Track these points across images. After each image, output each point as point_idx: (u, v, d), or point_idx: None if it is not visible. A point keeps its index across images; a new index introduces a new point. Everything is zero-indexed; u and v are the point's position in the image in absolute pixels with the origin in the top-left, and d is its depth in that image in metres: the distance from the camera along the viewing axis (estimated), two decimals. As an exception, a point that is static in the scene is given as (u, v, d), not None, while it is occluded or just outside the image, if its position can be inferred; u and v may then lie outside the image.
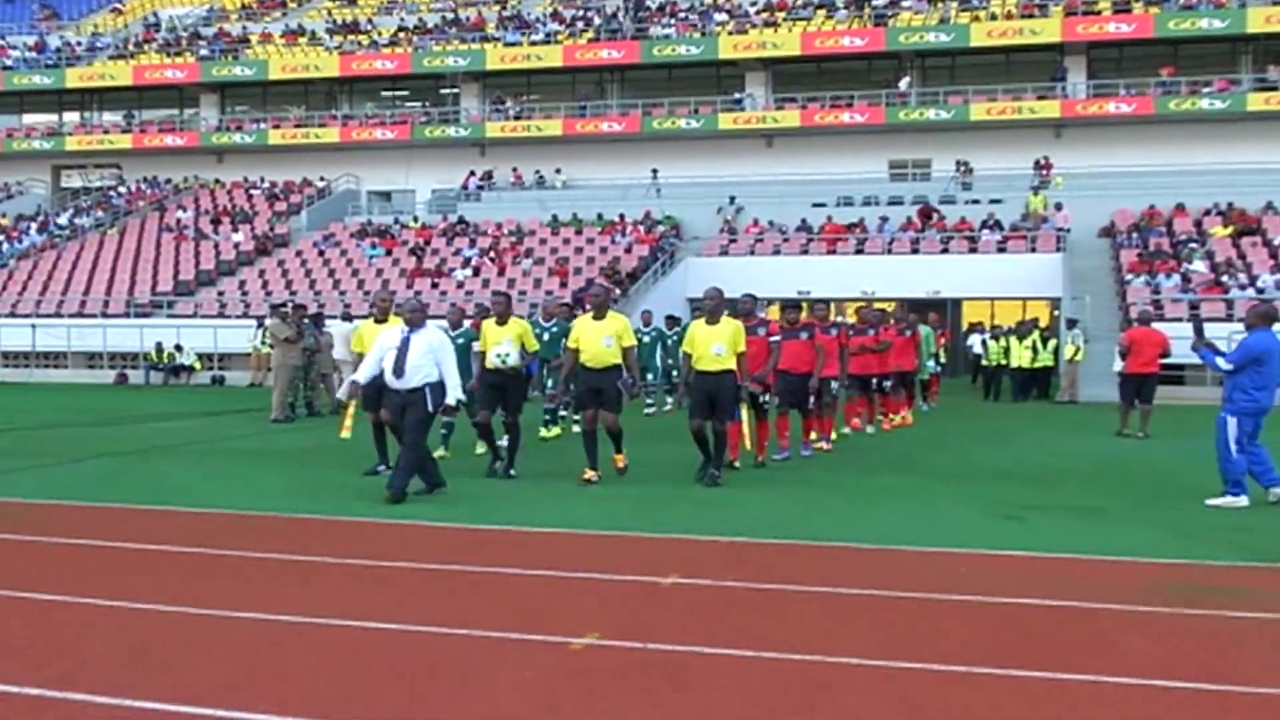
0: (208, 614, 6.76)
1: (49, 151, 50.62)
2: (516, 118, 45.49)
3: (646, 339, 21.56)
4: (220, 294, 38.63)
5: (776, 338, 13.20)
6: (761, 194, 40.52)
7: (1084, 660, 5.98)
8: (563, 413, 17.25)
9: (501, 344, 12.35)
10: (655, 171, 42.74)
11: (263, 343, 30.01)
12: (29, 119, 52.72)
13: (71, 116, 52.53)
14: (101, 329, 35.78)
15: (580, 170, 45.00)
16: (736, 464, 12.97)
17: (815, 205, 39.62)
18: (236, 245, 41.98)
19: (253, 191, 47.41)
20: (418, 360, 10.76)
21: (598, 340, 11.77)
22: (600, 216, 40.45)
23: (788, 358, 13.69)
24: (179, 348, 33.64)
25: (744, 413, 12.45)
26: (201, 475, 12.59)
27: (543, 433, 16.33)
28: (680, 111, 43.86)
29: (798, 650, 6.06)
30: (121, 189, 49.48)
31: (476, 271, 37.30)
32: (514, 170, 45.92)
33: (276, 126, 48.16)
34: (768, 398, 13.28)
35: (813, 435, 14.93)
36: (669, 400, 20.25)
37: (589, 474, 11.79)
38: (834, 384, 15.18)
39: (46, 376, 35.01)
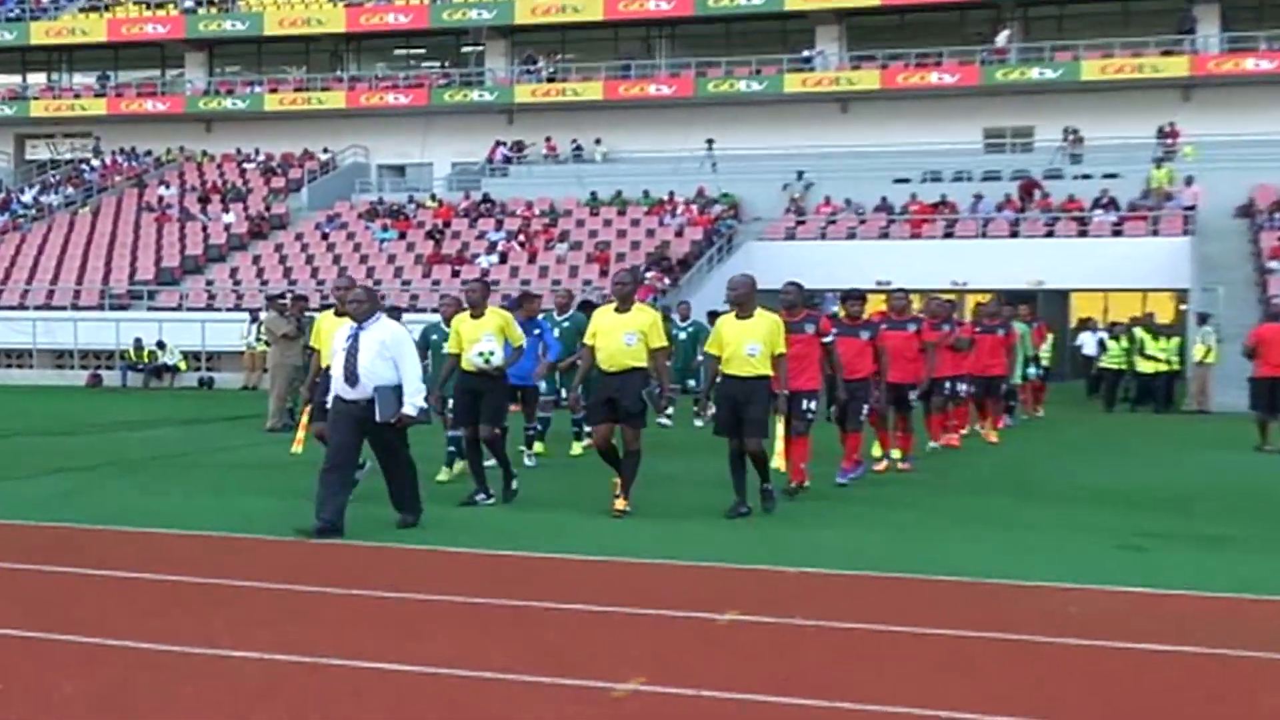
0: (191, 652, 6.80)
1: (11, 119, 51.31)
2: (550, 80, 45.65)
3: (683, 336, 21.09)
4: (209, 283, 39.01)
5: (830, 336, 12.55)
6: (834, 168, 40.41)
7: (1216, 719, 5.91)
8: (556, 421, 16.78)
9: (481, 340, 11.84)
10: (710, 142, 42.73)
11: (258, 340, 30.21)
12: (-10, 82, 53.38)
13: (37, 78, 53.20)
14: (72, 323, 36.21)
15: (623, 141, 45.06)
16: (805, 484, 12.73)
17: (897, 181, 39.49)
18: (227, 227, 42.38)
19: (246, 165, 47.85)
20: (371, 362, 10.20)
21: (617, 337, 11.25)
22: (647, 194, 40.50)
23: (842, 360, 12.94)
24: (161, 345, 33.98)
25: (779, 425, 11.77)
26: (181, 493, 12.70)
27: (575, 448, 16.14)
28: (740, 72, 43.83)
29: (878, 700, 6.02)
30: (95, 162, 50.07)
31: (503, 257, 37.45)
32: (547, 140, 46.06)
33: (273, 90, 48.58)
34: (813, 407, 12.47)
35: (876, 452, 14.77)
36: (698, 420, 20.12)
37: (621, 503, 11.34)
38: (911, 392, 14.79)
39: (8, 377, 35.42)
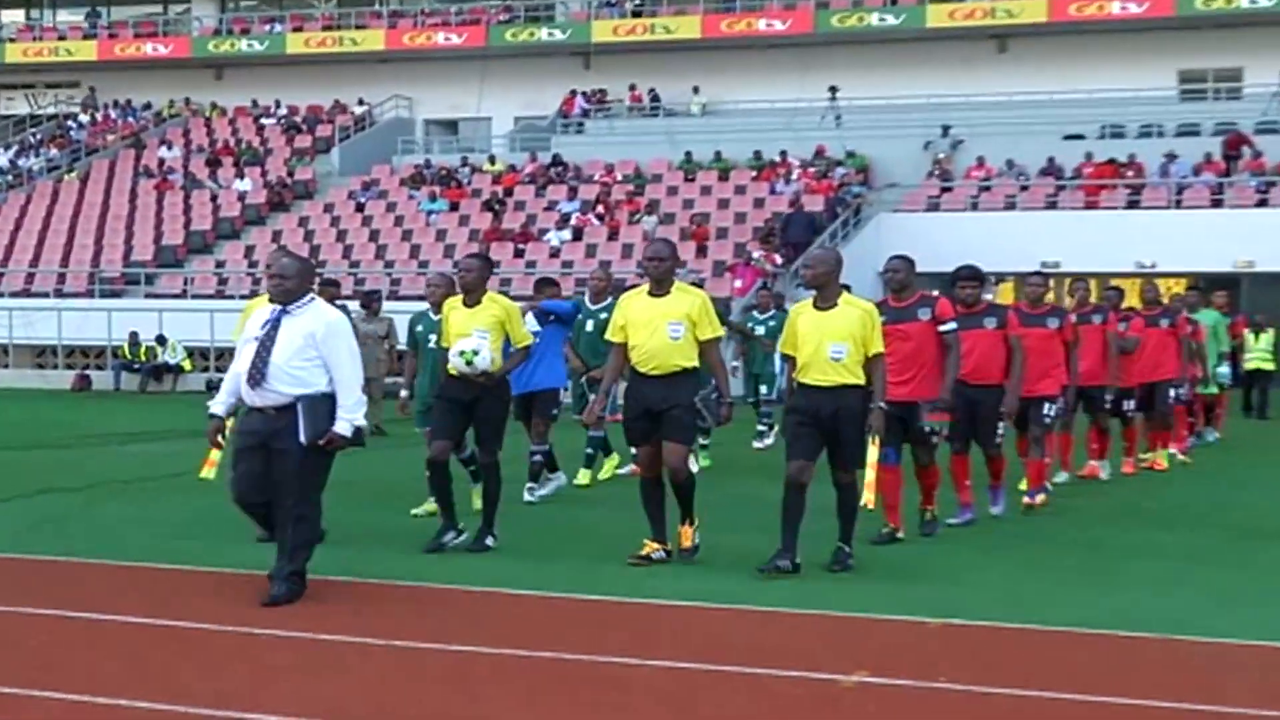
0: (198, 713, 6.88)
1: (-16, 66, 52.17)
2: (635, 15, 45.73)
3: (762, 330, 20.03)
4: (219, 265, 39.48)
5: (950, 325, 11.78)
6: (989, 121, 40.12)
7: None
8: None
9: (470, 336, 11.23)
10: (834, 90, 42.59)
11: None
12: (-42, 21, 54.31)
13: (13, 16, 54.12)
14: (55, 313, 36.75)
15: (726, 89, 45.03)
16: (899, 534, 11.88)
17: (1068, 138, 39.18)
18: (242, 197, 42.90)
19: (265, 121, 48.40)
20: (289, 360, 9.22)
21: (657, 329, 10.59)
22: (757, 155, 40.44)
23: (963, 358, 12.15)
24: (161, 340, 34.43)
25: (872, 451, 10.58)
26: (186, 520, 12.83)
27: (580, 478, 15.37)
28: (870, 2, 43.61)
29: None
30: (84, 118, 50.85)
31: (578, 233, 37.57)
32: (631, 90, 46.14)
33: (297, 29, 49.10)
34: (935, 427, 11.87)
35: (1021, 485, 14.05)
36: (765, 436, 19.57)
37: (650, 547, 10.79)
38: (1047, 405, 13.85)
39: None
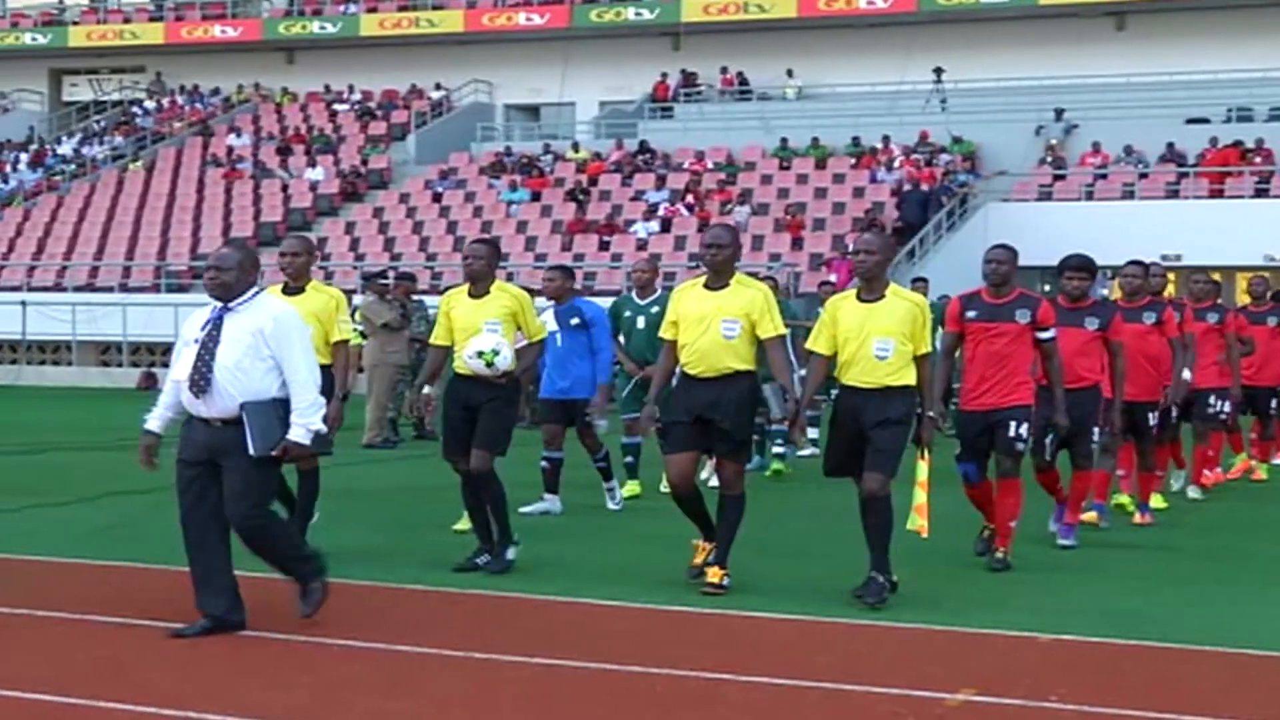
0: (270, 728, 6.97)
1: (45, 49, 52.97)
2: (728, -9, 45.67)
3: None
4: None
5: (1047, 334, 11.17)
6: (1105, 105, 39.81)
7: None
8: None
9: (482, 333, 10.78)
10: (939, 72, 42.39)
11: (352, 330, 30.68)
12: (17, 2, 55.05)
13: (79, -1, 54.72)
14: (120, 309, 37.17)
15: (823, 71, 44.92)
16: (1001, 553, 11.12)
17: (1190, 122, 38.84)
18: (314, 186, 43.25)
19: (337, 107, 48.75)
20: (237, 363, 8.68)
21: (711, 327, 10.02)
22: (856, 142, 40.32)
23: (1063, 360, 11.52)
24: (229, 337, 34.69)
25: (922, 469, 9.98)
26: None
27: (629, 489, 14.87)
28: (979, -22, 43.39)
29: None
30: (149, 104, 51.40)
31: (666, 225, 37.60)
32: (723, 72, 46.10)
33: (372, 10, 49.40)
34: (1023, 433, 11.14)
35: (1121, 499, 13.71)
36: (797, 449, 17.32)
37: (703, 550, 10.40)
38: (1151, 413, 13.19)
39: (41, 377, 36.51)
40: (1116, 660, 8.53)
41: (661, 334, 10.45)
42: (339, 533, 12.53)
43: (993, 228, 33.57)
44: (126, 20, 52.43)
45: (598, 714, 7.34)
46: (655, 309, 14.09)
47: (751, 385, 10.13)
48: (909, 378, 9.86)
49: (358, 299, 28.42)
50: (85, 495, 14.87)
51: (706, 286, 10.20)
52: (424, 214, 40.64)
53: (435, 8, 48.47)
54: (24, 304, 37.59)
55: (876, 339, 9.83)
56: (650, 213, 38.24)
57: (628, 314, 14.78)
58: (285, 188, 43.44)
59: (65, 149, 49.56)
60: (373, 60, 49.34)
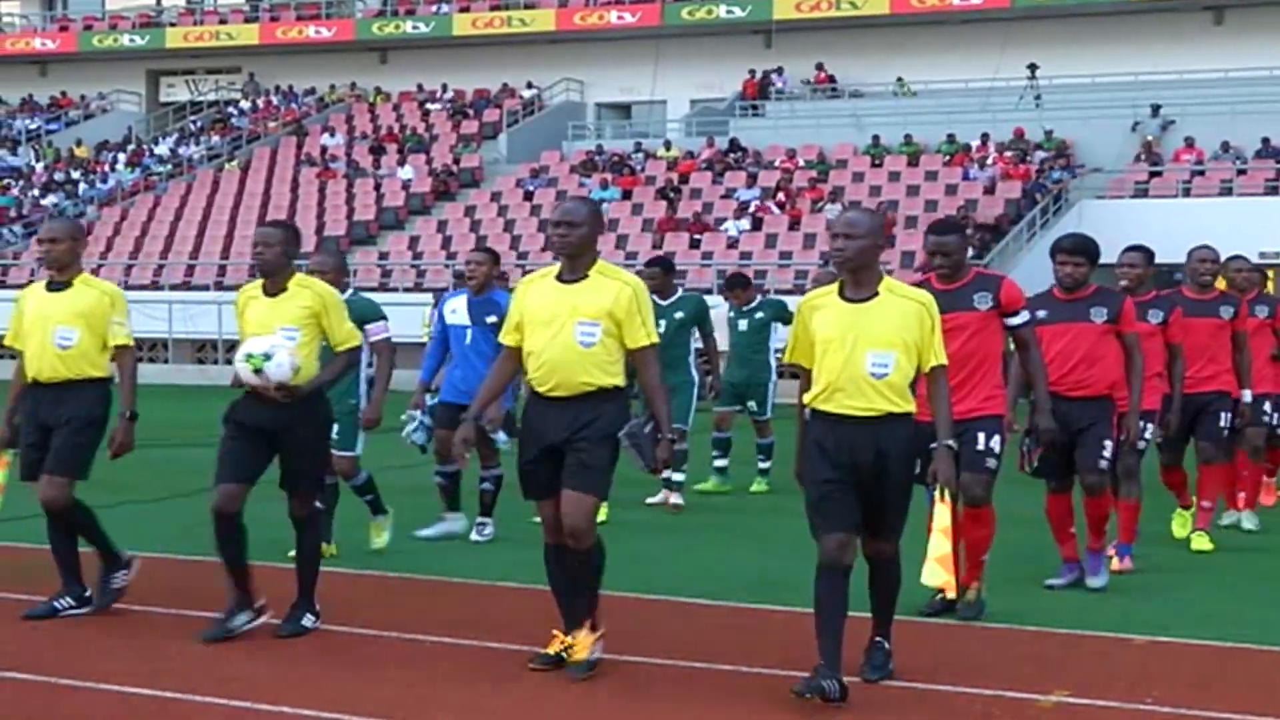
0: (330, 717, 7.03)
1: (142, 51, 53.58)
2: (820, -11, 45.57)
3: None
4: (382, 257, 40.06)
5: (1016, 319, 9.33)
6: (1203, 100, 39.40)
7: None
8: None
9: (277, 332, 8.95)
10: (1033, 68, 42.11)
11: (442, 329, 30.88)
12: (115, 4, 55.74)
13: (174, 1, 55.29)
14: (216, 308, 37.43)
15: (916, 68, 44.69)
16: (973, 592, 9.47)
17: (1291, 117, 38.31)
18: (406, 185, 43.51)
19: (430, 106, 49.02)
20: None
21: (563, 331, 8.00)
22: (951, 139, 40.13)
23: (1057, 363, 10.04)
24: (323, 335, 34.96)
25: (942, 513, 7.91)
26: (353, 517, 13.03)
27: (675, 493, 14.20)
28: (1073, -26, 43.09)
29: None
30: (245, 104, 51.90)
31: (757, 223, 37.57)
32: (817, 69, 45.96)
33: (464, 10, 49.62)
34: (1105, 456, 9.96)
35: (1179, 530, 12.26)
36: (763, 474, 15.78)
37: (560, 642, 8.19)
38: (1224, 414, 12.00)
39: (138, 374, 36.86)
40: (1213, 663, 8.48)
41: (501, 338, 8.36)
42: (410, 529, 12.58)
43: (1087, 226, 33.21)
44: (222, 21, 52.94)
45: (690, 712, 7.36)
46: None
47: (617, 406, 8.14)
48: (913, 401, 7.78)
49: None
50: (180, 491, 15.04)
51: (558, 279, 8.16)
52: (515, 213, 40.78)
53: (527, 7, 48.62)
54: (121, 302, 38.01)
55: (871, 351, 7.59)
56: (741, 211, 38.21)
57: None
58: (378, 187, 43.71)
59: (162, 149, 50.10)
60: (465, 59, 49.56)
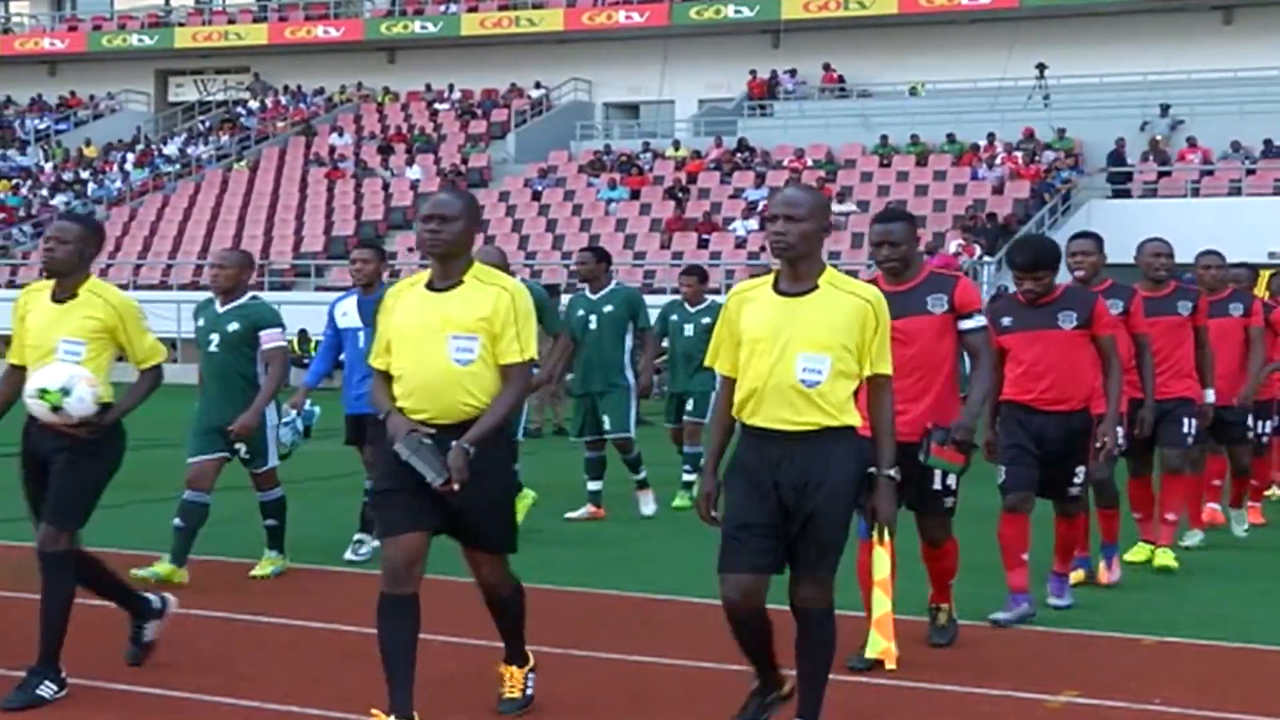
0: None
1: (151, 51, 53.69)
2: (828, -12, 45.58)
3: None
4: (391, 256, 40.04)
5: (970, 323, 8.27)
6: (1211, 100, 39.40)
7: None
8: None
9: (54, 362, 7.48)
10: (1042, 68, 42.08)
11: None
12: (124, 4, 55.83)
13: (183, 1, 55.35)
14: (224, 307, 37.59)
15: (925, 68, 44.67)
16: (944, 614, 8.73)
17: (1299, 117, 38.27)
18: (414, 185, 43.54)
19: (438, 106, 49.05)
20: None
21: (434, 347, 6.83)
22: (950, 139, 40.10)
23: (1027, 375, 9.14)
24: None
25: (880, 559, 7.03)
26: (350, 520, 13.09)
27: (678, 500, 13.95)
28: (1082, -27, 43.09)
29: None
30: (253, 104, 51.95)
31: (764, 223, 37.50)
32: (825, 69, 45.96)
33: (472, 10, 49.66)
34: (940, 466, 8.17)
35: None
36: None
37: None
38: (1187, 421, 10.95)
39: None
40: (1222, 663, 8.47)
41: (371, 360, 7.07)
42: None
43: (1095, 225, 33.22)
44: (231, 21, 53.02)
45: (696, 711, 7.38)
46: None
47: (510, 442, 7.47)
48: (853, 415, 6.49)
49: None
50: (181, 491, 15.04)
51: (429, 287, 6.95)
52: (523, 213, 40.82)
53: (535, 7, 48.64)
54: (130, 302, 38.17)
55: (803, 355, 6.39)
56: (749, 211, 38.23)
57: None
58: (386, 187, 43.77)
59: (170, 149, 50.17)
60: (473, 59, 49.59)
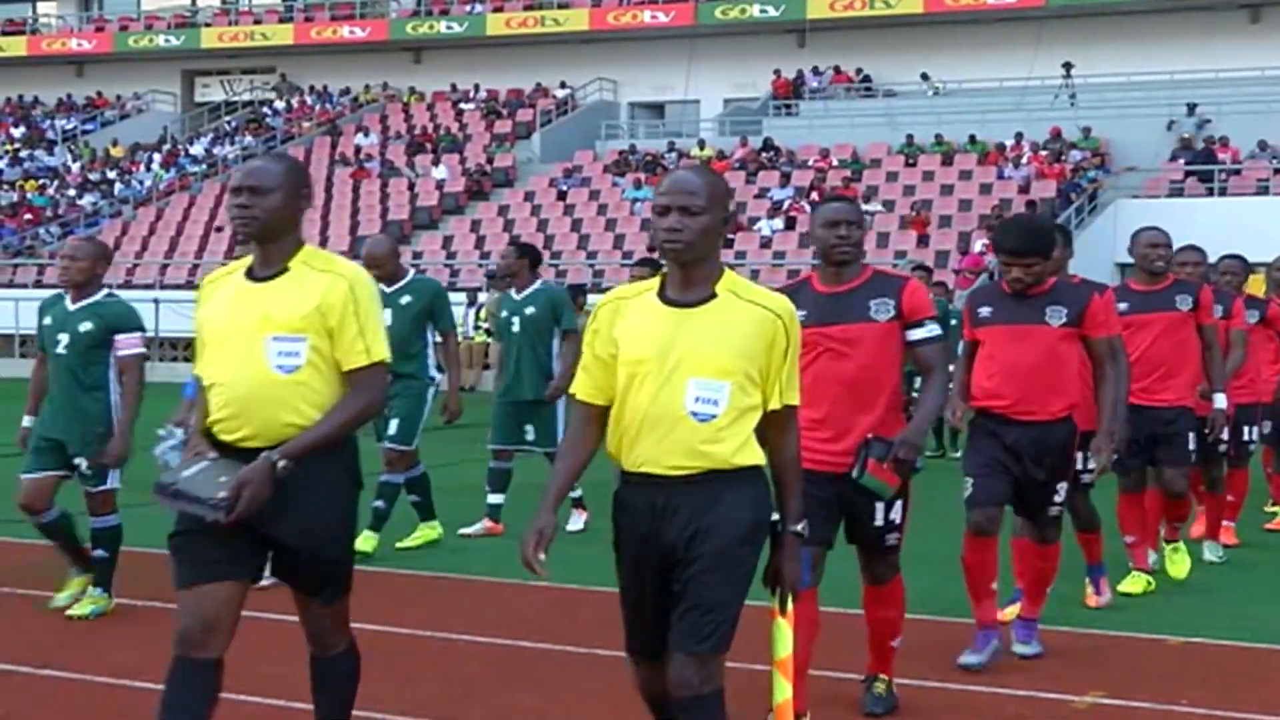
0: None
1: (178, 51, 53.86)
2: (853, -12, 45.55)
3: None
4: (416, 256, 40.12)
5: (920, 332, 7.04)
6: (1240, 99, 39.28)
7: None
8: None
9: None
10: (1068, 67, 42.02)
11: (476, 328, 30.94)
12: (151, 4, 56.03)
13: (210, 1, 55.54)
14: (250, 307, 37.70)
15: (949, 67, 44.63)
16: (882, 685, 7.39)
17: (1327, 116, 38.14)
18: (440, 184, 43.61)
19: (463, 106, 49.11)
20: None
21: (251, 350, 5.55)
22: (971, 140, 40.04)
23: (1003, 379, 8.10)
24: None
25: (782, 632, 5.44)
26: (396, 516, 13.07)
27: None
28: (1108, -28, 43.00)
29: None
30: (279, 104, 52.07)
31: (790, 222, 37.55)
32: (835, 71, 45.92)
33: (498, 10, 49.74)
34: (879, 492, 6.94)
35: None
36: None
37: None
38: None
39: (173, 373, 36.88)
40: (1247, 664, 8.47)
41: (196, 373, 5.74)
42: (454, 528, 12.62)
43: (1122, 225, 33.19)
44: (257, 21, 53.17)
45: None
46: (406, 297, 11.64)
47: (346, 463, 5.74)
48: (754, 454, 5.27)
49: (483, 297, 28.56)
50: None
51: (249, 275, 5.69)
52: (549, 212, 40.85)
53: (560, 6, 48.69)
54: (156, 302, 37.98)
55: (696, 380, 5.19)
56: (774, 210, 38.22)
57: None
58: (412, 186, 43.83)
59: (197, 149, 50.32)
60: (498, 59, 49.67)
